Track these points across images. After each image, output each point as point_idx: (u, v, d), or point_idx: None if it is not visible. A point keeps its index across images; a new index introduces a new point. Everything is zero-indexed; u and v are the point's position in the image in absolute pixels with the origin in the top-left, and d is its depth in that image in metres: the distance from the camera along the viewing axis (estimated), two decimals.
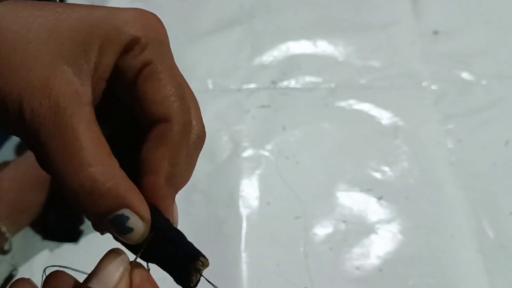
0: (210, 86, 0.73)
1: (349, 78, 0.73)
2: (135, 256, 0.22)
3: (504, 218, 0.57)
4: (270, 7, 0.84)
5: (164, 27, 0.24)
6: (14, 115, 0.20)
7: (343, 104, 0.70)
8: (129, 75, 0.22)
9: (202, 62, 0.76)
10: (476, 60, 0.73)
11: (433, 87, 0.71)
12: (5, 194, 0.56)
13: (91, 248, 0.58)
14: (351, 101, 0.70)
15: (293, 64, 0.75)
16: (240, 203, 0.59)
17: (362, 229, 0.57)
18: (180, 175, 0.23)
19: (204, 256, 0.22)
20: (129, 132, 0.25)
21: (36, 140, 0.20)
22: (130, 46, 0.22)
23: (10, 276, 0.57)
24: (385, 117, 0.68)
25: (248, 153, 0.64)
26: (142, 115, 0.23)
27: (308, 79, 0.73)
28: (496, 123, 0.66)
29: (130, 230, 0.21)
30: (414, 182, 0.61)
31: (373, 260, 0.55)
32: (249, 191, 0.61)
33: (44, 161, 0.20)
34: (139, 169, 0.23)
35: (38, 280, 0.62)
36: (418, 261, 0.54)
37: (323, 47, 0.77)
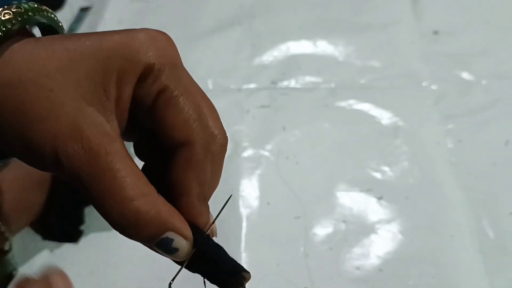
0: (210, 86, 0.73)
1: (349, 78, 0.73)
2: (180, 267, 0.24)
3: (504, 218, 0.57)
4: (270, 7, 0.84)
5: (175, 47, 0.24)
6: (51, 162, 0.21)
7: (343, 104, 0.70)
8: (147, 102, 0.23)
9: (202, 62, 0.76)
10: (476, 60, 0.73)
11: (433, 87, 0.71)
12: (5, 194, 0.56)
13: (91, 248, 0.58)
14: (351, 101, 0.70)
15: (293, 64, 0.75)
16: (240, 203, 0.59)
17: (362, 229, 0.57)
18: (208, 188, 0.24)
19: (246, 271, 0.24)
20: (156, 154, 0.25)
21: (77, 182, 0.21)
22: (145, 74, 0.22)
23: (10, 276, 0.57)
24: (385, 117, 0.68)
25: (248, 153, 0.64)
26: (165, 140, 0.23)
27: (308, 79, 0.73)
28: (496, 123, 0.66)
29: (176, 250, 0.23)
30: (414, 182, 0.61)
31: (373, 260, 0.55)
32: (249, 191, 0.61)
33: (88, 199, 0.21)
34: (171, 190, 0.24)
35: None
36: (418, 261, 0.54)
37: (323, 47, 0.77)
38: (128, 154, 0.22)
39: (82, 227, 0.60)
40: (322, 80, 0.73)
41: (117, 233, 0.22)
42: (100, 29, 0.83)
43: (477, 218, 0.57)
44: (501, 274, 0.53)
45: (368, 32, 0.79)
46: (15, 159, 0.23)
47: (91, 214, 0.60)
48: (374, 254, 0.55)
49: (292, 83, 0.73)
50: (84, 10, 0.88)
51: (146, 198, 0.21)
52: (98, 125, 0.21)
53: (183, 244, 0.23)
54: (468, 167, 0.62)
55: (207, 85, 0.73)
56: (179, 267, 0.24)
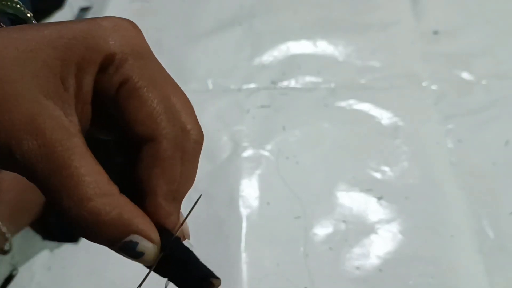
0: (210, 86, 0.73)
1: (349, 78, 0.73)
2: (148, 271, 0.23)
3: (504, 218, 0.57)
4: (270, 7, 0.84)
5: (142, 36, 0.22)
6: (6, 157, 0.19)
7: (343, 104, 0.70)
8: (109, 94, 0.21)
9: (202, 62, 0.76)
10: (476, 60, 0.73)
11: (433, 87, 0.71)
12: (5, 194, 0.56)
13: (91, 248, 0.58)
14: (351, 101, 0.70)
15: (293, 64, 0.75)
16: (240, 203, 0.59)
17: (362, 229, 0.57)
18: (178, 187, 0.23)
19: (215, 277, 0.22)
20: (126, 151, 0.24)
21: (33, 179, 0.20)
22: (106, 64, 0.21)
23: (10, 276, 0.57)
24: (385, 117, 0.68)
25: (248, 153, 0.64)
26: (130, 135, 0.22)
27: (308, 79, 0.73)
28: (496, 123, 0.66)
29: (141, 254, 0.21)
30: (414, 182, 0.61)
31: (373, 260, 0.55)
32: (249, 191, 0.61)
33: (45, 196, 0.20)
34: (138, 190, 0.22)
35: (38, 279, 0.62)
36: (418, 261, 0.54)
37: (323, 47, 0.77)
38: (88, 151, 0.20)
39: None
40: (322, 80, 0.73)
41: None
42: None
43: (477, 218, 0.57)
44: (501, 274, 0.53)
45: (368, 32, 0.79)
46: None
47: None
48: (374, 254, 0.55)
49: (292, 83, 0.73)
50: (84, 10, 0.88)
51: (106, 198, 0.20)
52: (55, 119, 0.20)
53: (149, 247, 0.21)
54: (468, 167, 0.62)
55: (207, 85, 0.73)
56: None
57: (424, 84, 0.72)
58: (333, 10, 0.82)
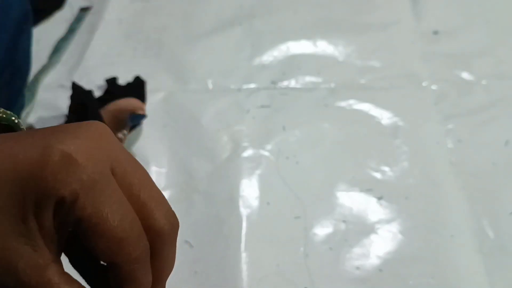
0: (210, 86, 0.73)
1: (349, 78, 0.73)
2: None
3: (504, 218, 0.57)
4: (270, 7, 0.84)
5: (99, 153, 0.22)
6: None
7: (343, 104, 0.70)
8: (67, 231, 0.23)
9: (202, 62, 0.76)
10: (476, 60, 0.73)
11: (433, 87, 0.71)
12: None
13: None
14: (351, 101, 0.70)
15: (293, 64, 0.75)
16: (240, 203, 0.59)
17: (362, 229, 0.57)
18: (156, 283, 0.24)
19: None
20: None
21: None
22: (59, 207, 0.21)
23: None
24: (385, 117, 0.68)
25: (248, 153, 0.64)
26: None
27: (308, 79, 0.74)
28: (496, 123, 0.66)
29: None
30: (414, 182, 0.61)
31: (373, 260, 0.55)
32: (249, 191, 0.61)
33: None
34: None
35: None
36: (418, 261, 0.54)
37: (323, 47, 0.78)
38: (64, 274, 0.22)
39: None
40: (322, 80, 0.73)
41: None
42: (101, 29, 0.83)
43: (477, 218, 0.57)
44: (501, 274, 0.53)
45: (368, 32, 0.79)
46: None
47: None
48: (374, 254, 0.55)
49: (292, 83, 0.73)
50: (84, 10, 0.88)
51: None
52: (26, 258, 0.21)
53: None
54: (468, 167, 0.62)
55: (207, 85, 0.73)
56: None
57: (424, 84, 0.72)
58: (333, 10, 0.83)
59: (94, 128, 0.23)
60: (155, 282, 0.24)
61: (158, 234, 0.23)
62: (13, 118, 0.26)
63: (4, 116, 0.26)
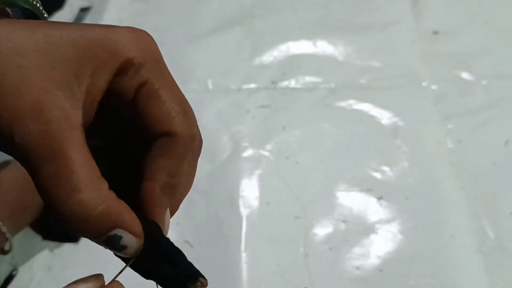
0: (210, 86, 0.73)
1: (349, 78, 0.73)
2: (125, 265, 0.23)
3: (504, 218, 0.57)
4: (270, 7, 0.84)
5: (157, 46, 0.24)
6: (6, 138, 0.20)
7: (343, 104, 0.70)
8: (126, 96, 0.22)
9: (202, 62, 0.76)
10: (476, 60, 0.73)
11: (433, 87, 0.71)
12: (5, 194, 0.56)
13: (91, 248, 0.58)
14: (351, 101, 0.70)
15: (293, 64, 0.75)
16: (240, 203, 0.59)
17: (362, 229, 0.57)
18: (179, 186, 0.24)
19: (203, 277, 0.22)
20: (126, 143, 0.25)
21: (27, 164, 0.20)
22: (125, 68, 0.22)
23: (10, 276, 0.57)
24: (385, 117, 0.68)
25: (248, 153, 0.65)
26: (145, 131, 0.23)
27: (308, 79, 0.74)
28: (496, 123, 0.66)
29: (124, 247, 0.22)
30: (414, 182, 0.61)
31: (373, 260, 0.55)
32: (249, 191, 0.61)
33: (35, 184, 0.20)
34: (139, 176, 0.23)
35: (38, 279, 0.62)
36: (418, 261, 0.55)
37: (323, 47, 0.78)
38: (86, 145, 0.21)
39: None
40: (322, 80, 0.73)
41: None
42: None
43: (477, 218, 0.57)
44: (501, 274, 0.53)
45: (368, 32, 0.79)
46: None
47: None
48: (374, 254, 0.55)
49: (292, 83, 0.73)
50: (84, 10, 0.88)
51: (95, 192, 0.20)
52: (61, 109, 0.20)
53: (132, 241, 0.22)
54: (468, 167, 0.62)
55: (207, 85, 0.73)
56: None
57: (424, 84, 0.72)
58: (333, 10, 0.83)
59: (147, 33, 0.24)
60: (172, 189, 0.23)
61: (195, 141, 0.24)
62: (44, 13, 0.26)
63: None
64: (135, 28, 0.23)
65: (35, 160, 0.20)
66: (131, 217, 0.22)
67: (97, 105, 0.23)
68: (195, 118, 0.24)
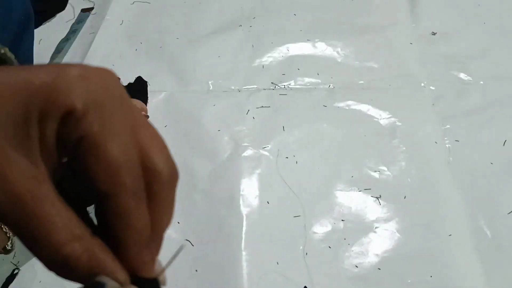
0: (211, 87, 0.74)
1: (348, 79, 0.74)
2: None
3: (501, 217, 0.58)
4: (270, 9, 0.85)
5: (112, 85, 0.22)
6: None
7: (341, 104, 0.70)
8: (70, 148, 0.21)
9: (203, 64, 0.77)
10: (473, 61, 0.74)
11: (431, 87, 0.72)
12: None
13: None
14: (350, 102, 0.70)
15: (292, 65, 0.76)
16: (241, 202, 0.60)
17: (360, 228, 0.57)
18: (152, 233, 0.23)
19: None
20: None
21: (7, 226, 0.20)
22: (67, 118, 0.20)
23: (12, 275, 0.58)
24: (383, 117, 0.68)
25: (248, 153, 0.65)
26: (93, 189, 0.22)
27: (308, 80, 0.74)
28: (493, 123, 0.66)
29: None
30: (412, 182, 0.61)
31: (371, 259, 0.55)
32: (249, 190, 0.61)
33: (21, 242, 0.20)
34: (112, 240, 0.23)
35: (40, 278, 0.62)
36: (416, 259, 0.55)
37: (322, 48, 0.78)
38: (58, 196, 0.20)
39: None
40: (321, 81, 0.74)
41: None
42: (102, 30, 0.84)
43: (474, 217, 0.58)
44: (498, 272, 0.54)
45: (367, 34, 0.79)
46: None
47: (91, 213, 0.60)
48: (372, 253, 0.56)
49: (292, 83, 0.74)
50: (86, 11, 0.88)
51: (77, 242, 0.20)
52: (22, 170, 0.20)
53: (115, 287, 0.21)
54: (466, 167, 0.62)
55: (208, 86, 0.74)
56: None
57: (422, 84, 0.72)
58: (332, 12, 0.83)
59: (104, 69, 0.22)
60: (153, 231, 0.23)
61: (156, 176, 0.22)
62: (8, 55, 0.25)
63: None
64: (89, 67, 0.21)
65: (12, 226, 0.20)
66: (114, 264, 0.21)
67: (57, 155, 0.21)
68: (159, 151, 0.23)
